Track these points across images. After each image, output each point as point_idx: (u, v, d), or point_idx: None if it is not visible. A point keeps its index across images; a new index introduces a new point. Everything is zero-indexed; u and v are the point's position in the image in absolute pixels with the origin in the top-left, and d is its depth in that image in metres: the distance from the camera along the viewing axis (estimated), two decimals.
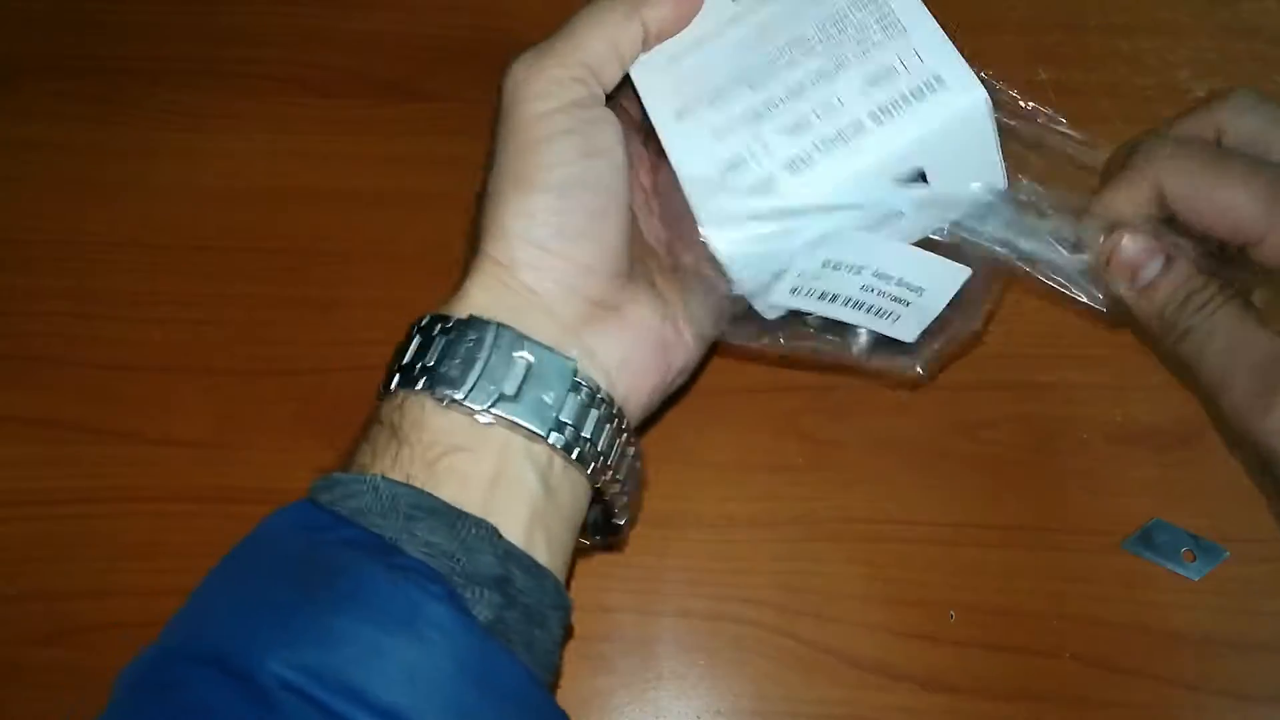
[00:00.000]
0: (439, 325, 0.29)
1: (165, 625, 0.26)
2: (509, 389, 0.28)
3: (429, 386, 0.28)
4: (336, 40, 0.50)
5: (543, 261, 0.30)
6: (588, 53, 0.31)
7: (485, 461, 0.28)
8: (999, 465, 0.41)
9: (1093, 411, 0.42)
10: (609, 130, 0.31)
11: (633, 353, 0.31)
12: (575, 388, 0.29)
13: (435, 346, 0.29)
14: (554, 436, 0.28)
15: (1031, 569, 0.39)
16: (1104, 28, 0.50)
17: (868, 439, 0.41)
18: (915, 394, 0.42)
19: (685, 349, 0.33)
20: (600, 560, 0.39)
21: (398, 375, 0.29)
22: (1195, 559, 0.39)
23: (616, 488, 0.31)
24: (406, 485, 0.26)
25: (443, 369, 0.28)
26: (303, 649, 0.23)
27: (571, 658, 0.38)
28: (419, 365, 0.28)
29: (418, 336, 0.29)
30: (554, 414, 0.28)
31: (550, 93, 0.30)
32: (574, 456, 0.29)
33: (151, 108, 0.49)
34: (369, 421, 0.29)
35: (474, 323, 0.29)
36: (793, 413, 0.42)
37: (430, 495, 0.26)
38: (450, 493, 0.27)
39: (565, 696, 0.38)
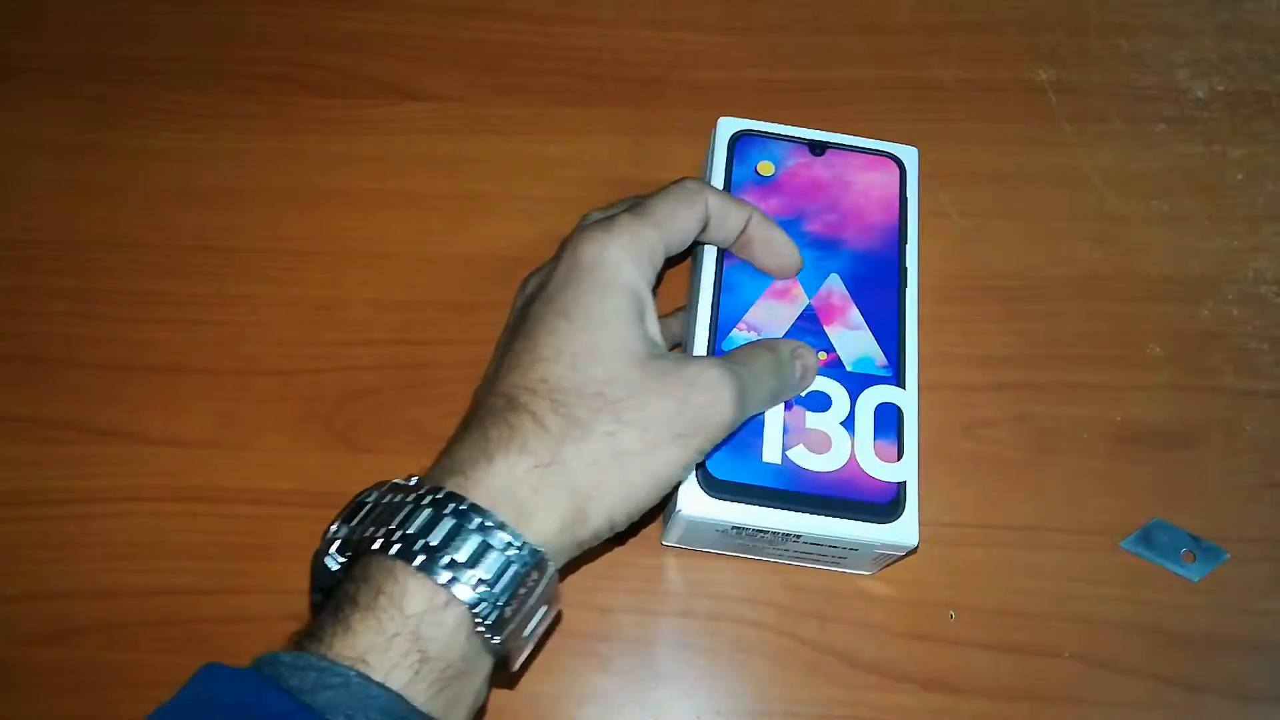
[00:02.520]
0: (489, 524, 0.28)
1: None
2: (525, 627, 0.29)
3: (465, 595, 0.27)
4: (336, 40, 0.50)
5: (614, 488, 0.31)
6: (655, 251, 0.34)
7: (473, 684, 0.28)
8: (999, 465, 0.41)
9: (1093, 411, 0.42)
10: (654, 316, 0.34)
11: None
12: (548, 612, 0.30)
13: (466, 543, 0.28)
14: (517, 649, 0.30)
15: (1031, 569, 0.39)
16: (1104, 28, 0.50)
17: None
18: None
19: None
20: (600, 560, 0.39)
21: (438, 563, 0.27)
22: (1195, 559, 0.39)
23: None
24: (382, 688, 0.26)
25: (490, 588, 0.28)
26: None
27: (572, 658, 0.38)
28: (458, 563, 0.27)
29: (450, 519, 0.28)
30: (527, 632, 0.30)
31: (634, 275, 0.33)
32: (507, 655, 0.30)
33: (151, 108, 0.49)
34: (377, 600, 0.27)
35: (531, 551, 0.28)
36: None
37: (403, 701, 0.26)
38: (426, 698, 0.27)
39: (565, 696, 0.38)
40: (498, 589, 0.28)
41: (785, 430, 0.35)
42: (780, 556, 0.38)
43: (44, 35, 0.51)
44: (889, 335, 0.37)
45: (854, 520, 0.34)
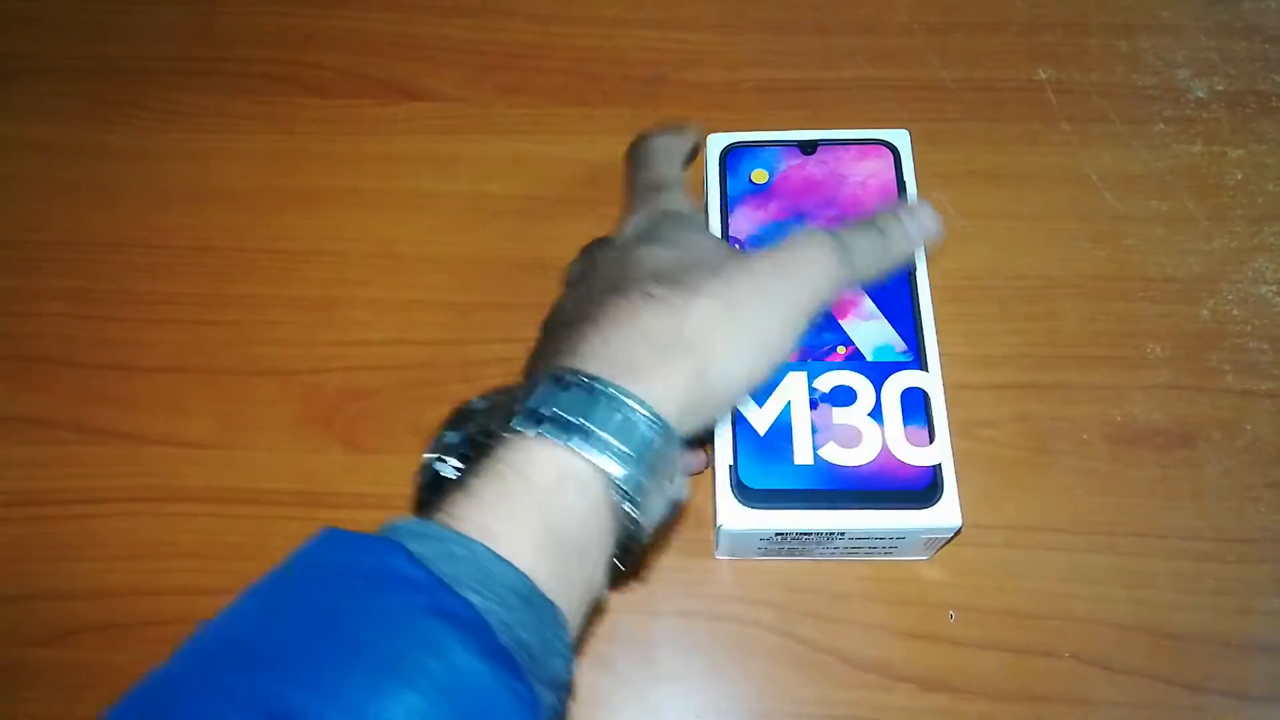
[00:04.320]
0: (619, 395, 0.28)
1: (212, 643, 0.23)
2: (656, 509, 0.28)
3: (605, 465, 0.27)
4: (336, 40, 0.50)
5: (728, 403, 0.33)
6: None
7: (593, 563, 0.27)
8: (999, 465, 0.41)
9: (1092, 411, 0.42)
10: None
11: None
12: (675, 489, 0.29)
13: (615, 418, 0.27)
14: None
15: (1032, 569, 0.39)
16: (1104, 27, 0.50)
17: None
18: None
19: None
20: None
21: (567, 430, 0.27)
22: None
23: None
24: (508, 564, 0.25)
25: (626, 455, 0.27)
26: None
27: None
28: (595, 432, 0.27)
29: (586, 393, 0.28)
30: (655, 514, 0.29)
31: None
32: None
33: (151, 108, 0.49)
34: (506, 467, 0.27)
35: (663, 422, 0.28)
36: None
37: (529, 582, 0.25)
38: (549, 581, 0.25)
39: None
40: (634, 457, 0.27)
41: (814, 430, 0.35)
42: (831, 554, 0.38)
43: (44, 35, 0.51)
44: (905, 321, 0.37)
45: (894, 509, 0.34)
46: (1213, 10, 0.50)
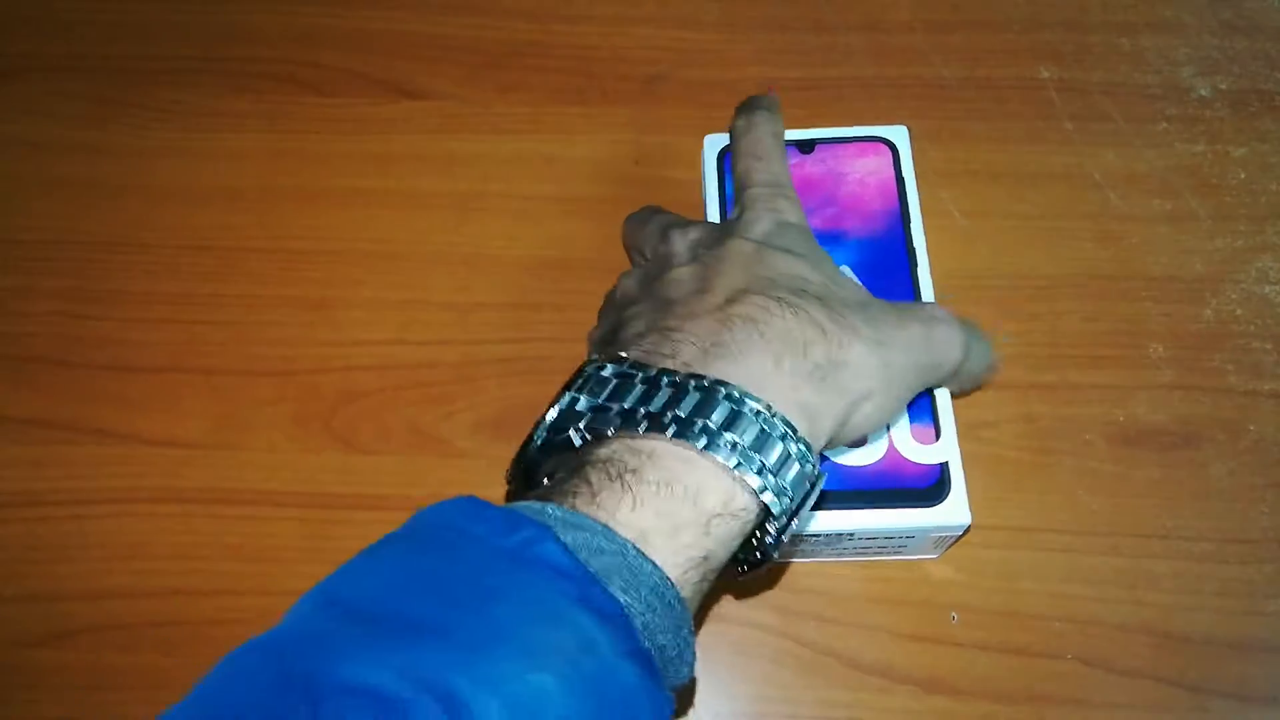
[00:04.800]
0: (750, 405, 0.27)
1: (354, 610, 0.23)
2: (793, 522, 0.27)
3: (745, 474, 0.26)
4: (336, 40, 0.50)
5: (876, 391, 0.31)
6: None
7: (717, 565, 0.27)
8: (999, 465, 0.41)
9: (1095, 412, 0.41)
10: None
11: None
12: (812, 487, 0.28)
13: (747, 430, 0.26)
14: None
15: (1033, 569, 0.39)
16: (1106, 26, 0.49)
17: None
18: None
19: None
20: None
21: (704, 438, 0.26)
22: None
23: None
24: (655, 567, 0.24)
25: (765, 461, 0.26)
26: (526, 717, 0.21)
27: None
28: (739, 446, 0.26)
29: (725, 403, 0.27)
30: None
31: None
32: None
33: (151, 108, 0.49)
34: (645, 466, 0.26)
35: (817, 468, 0.27)
36: None
37: (673, 588, 0.25)
38: (685, 586, 0.25)
39: None
40: (788, 494, 0.26)
41: None
42: (840, 556, 0.38)
43: (44, 35, 0.51)
44: None
45: (903, 508, 0.34)
46: (1216, 9, 0.49)
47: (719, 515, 0.26)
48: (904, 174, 0.40)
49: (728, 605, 0.39)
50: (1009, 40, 0.49)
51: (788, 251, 0.32)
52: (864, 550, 0.37)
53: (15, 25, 0.51)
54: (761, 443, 0.26)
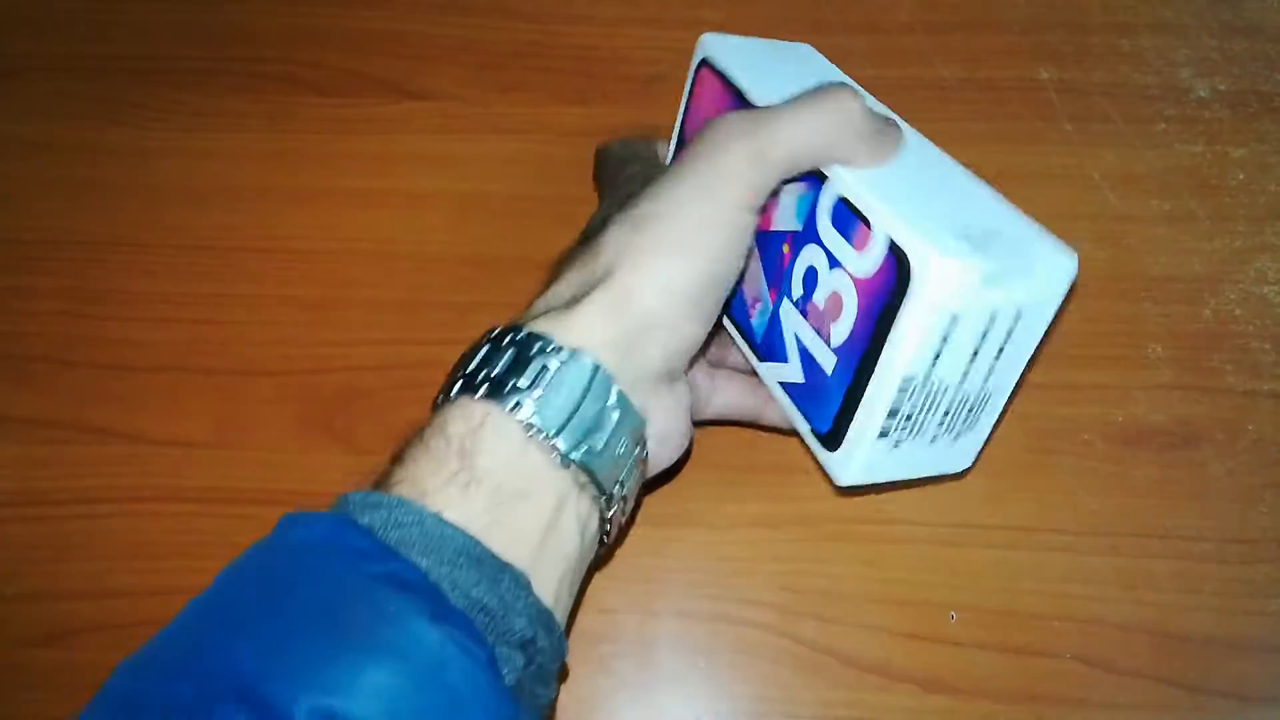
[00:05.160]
0: (537, 344, 0.28)
1: (175, 630, 0.24)
2: (597, 442, 0.27)
3: (515, 408, 0.27)
4: (336, 40, 0.50)
5: (667, 320, 0.29)
6: (794, 168, 0.30)
7: (543, 511, 0.27)
8: (999, 465, 0.41)
9: (1094, 412, 0.41)
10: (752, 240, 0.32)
11: (668, 427, 0.31)
12: (639, 452, 0.29)
13: (532, 368, 0.27)
14: (614, 495, 0.28)
15: (1032, 569, 0.39)
16: (1106, 27, 0.49)
17: None
18: None
19: (683, 439, 0.33)
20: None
21: (485, 385, 0.27)
22: None
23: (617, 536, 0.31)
24: (457, 529, 0.25)
25: (536, 393, 0.27)
26: (336, 696, 0.21)
27: (572, 658, 0.38)
28: (512, 384, 0.27)
29: (511, 349, 0.28)
30: (619, 474, 0.28)
31: (756, 193, 0.30)
32: (610, 515, 0.28)
33: (151, 108, 0.49)
34: (429, 431, 0.27)
35: (577, 358, 0.28)
36: None
37: (480, 544, 0.25)
38: (502, 541, 0.25)
39: (565, 697, 0.38)
40: (534, 387, 0.27)
41: (816, 330, 0.32)
42: (980, 382, 0.31)
43: (44, 35, 0.51)
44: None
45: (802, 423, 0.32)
46: (1216, 10, 0.49)
47: (469, 431, 0.27)
48: None
49: (728, 604, 0.39)
50: (1009, 41, 0.49)
51: (613, 201, 0.34)
52: (990, 359, 0.31)
53: (15, 25, 0.51)
54: (488, 358, 0.28)
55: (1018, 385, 0.31)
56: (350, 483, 0.30)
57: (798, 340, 0.33)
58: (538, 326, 0.28)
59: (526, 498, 0.27)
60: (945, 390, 0.30)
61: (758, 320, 0.35)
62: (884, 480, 0.32)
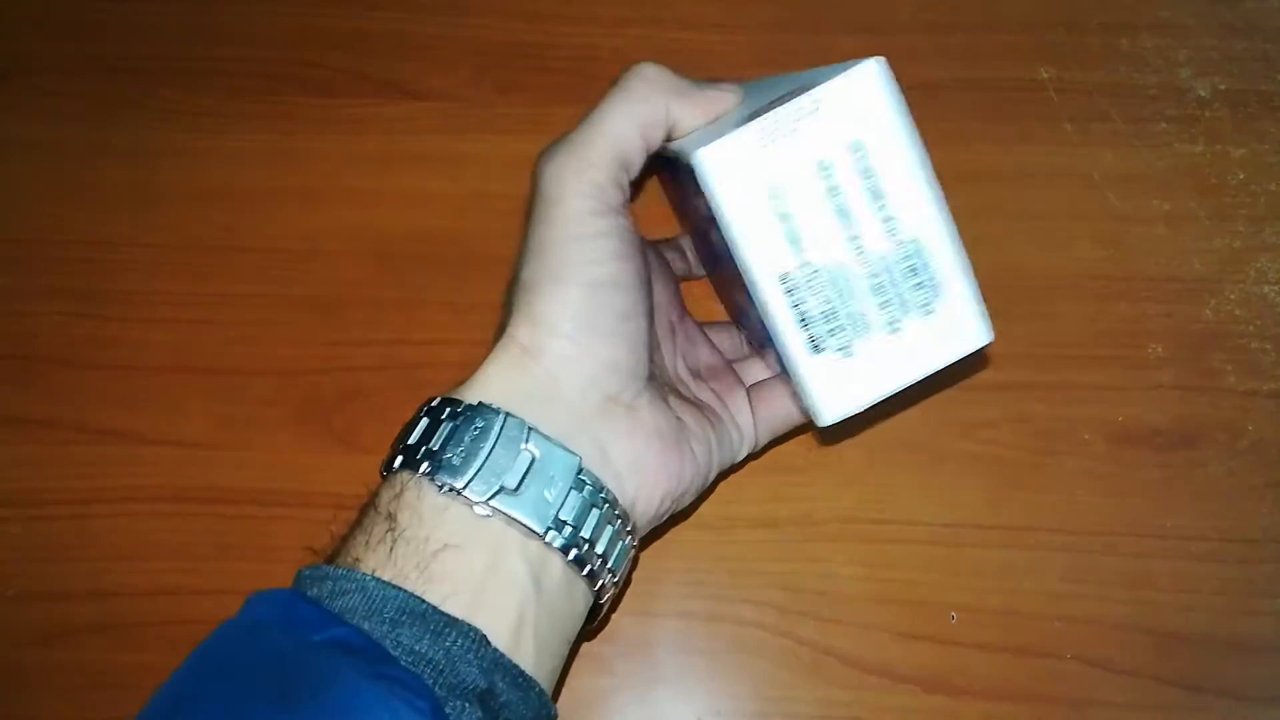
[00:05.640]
0: (447, 409, 0.29)
1: (149, 710, 0.25)
2: (510, 482, 0.28)
3: (431, 472, 0.28)
4: (336, 39, 0.50)
5: (569, 351, 0.29)
6: (623, 153, 0.30)
7: (477, 559, 0.27)
8: (999, 465, 0.41)
9: (1094, 412, 0.41)
10: (635, 235, 0.31)
11: (645, 454, 0.31)
12: (579, 485, 0.29)
13: (441, 431, 0.29)
14: (551, 535, 0.28)
15: (1033, 570, 0.39)
16: (1105, 26, 0.49)
17: (868, 439, 0.41)
18: (915, 394, 0.42)
19: (695, 465, 0.32)
20: None
21: (400, 456, 0.29)
22: None
23: (613, 590, 0.31)
24: (395, 588, 0.26)
25: (446, 455, 0.28)
26: None
27: (572, 659, 0.38)
28: (423, 449, 0.28)
29: (425, 419, 0.30)
30: (554, 511, 0.28)
31: (591, 194, 0.30)
32: (570, 557, 0.28)
33: (151, 108, 0.49)
34: (366, 506, 0.29)
35: (482, 410, 0.29)
36: None
37: (419, 600, 0.26)
38: (440, 594, 0.26)
39: (565, 697, 0.38)
40: (445, 448, 0.28)
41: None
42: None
43: (44, 35, 0.51)
44: None
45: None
46: (1215, 9, 0.49)
47: (392, 499, 0.28)
48: None
49: (728, 604, 0.39)
50: (1008, 41, 0.49)
51: None
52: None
53: (15, 25, 0.51)
54: (411, 429, 0.30)
55: (949, 220, 0.29)
56: (350, 489, 0.31)
57: (753, 317, 0.30)
58: (452, 393, 0.30)
59: (458, 549, 0.27)
60: (845, 265, 0.27)
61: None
62: (873, 399, 0.28)
